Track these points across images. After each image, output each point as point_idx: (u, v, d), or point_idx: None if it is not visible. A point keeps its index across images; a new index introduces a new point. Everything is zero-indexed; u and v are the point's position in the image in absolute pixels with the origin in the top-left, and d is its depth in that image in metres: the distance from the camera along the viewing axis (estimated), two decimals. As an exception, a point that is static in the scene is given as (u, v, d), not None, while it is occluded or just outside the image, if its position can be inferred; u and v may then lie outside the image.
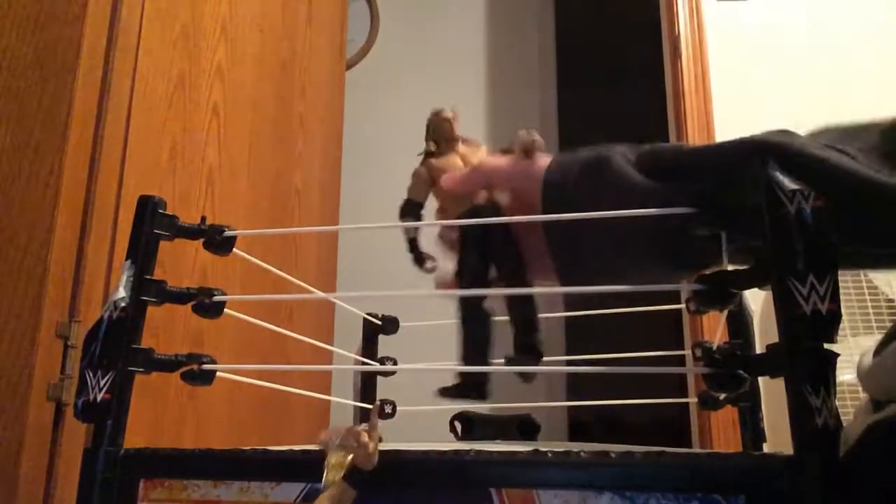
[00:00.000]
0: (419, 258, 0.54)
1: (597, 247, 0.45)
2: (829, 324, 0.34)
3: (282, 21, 1.48)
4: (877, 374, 0.45)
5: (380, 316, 0.86)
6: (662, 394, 0.77)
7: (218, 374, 0.49)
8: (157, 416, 0.98)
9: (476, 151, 0.54)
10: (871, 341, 0.54)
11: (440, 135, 0.54)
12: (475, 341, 0.50)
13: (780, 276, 0.36)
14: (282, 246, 1.44)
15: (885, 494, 0.32)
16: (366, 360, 0.83)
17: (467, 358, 0.51)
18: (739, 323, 0.68)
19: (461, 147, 0.54)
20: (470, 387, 0.51)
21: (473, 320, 0.51)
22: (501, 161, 0.50)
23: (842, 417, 0.34)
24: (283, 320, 1.39)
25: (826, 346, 0.34)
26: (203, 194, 1.15)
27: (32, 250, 0.83)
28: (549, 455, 0.38)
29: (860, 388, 0.47)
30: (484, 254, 0.51)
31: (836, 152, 0.38)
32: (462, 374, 0.51)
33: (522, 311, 0.52)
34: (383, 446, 0.38)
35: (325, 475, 0.37)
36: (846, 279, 1.41)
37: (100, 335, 0.45)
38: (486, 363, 0.51)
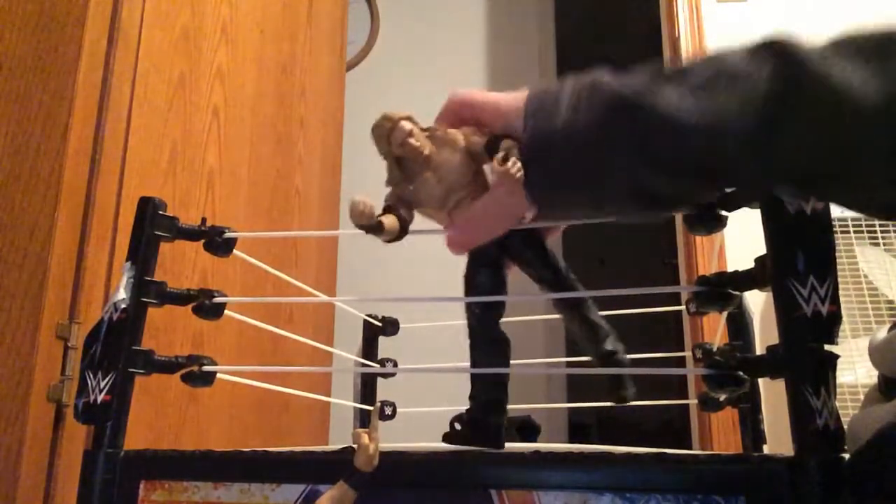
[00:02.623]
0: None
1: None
2: (829, 325, 0.34)
3: (282, 22, 1.48)
4: (889, 348, 0.45)
5: (380, 317, 0.86)
6: (663, 395, 0.77)
7: (218, 375, 0.49)
8: (157, 417, 0.98)
9: (454, 138, 0.44)
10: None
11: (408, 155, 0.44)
12: (490, 374, 0.43)
13: (781, 277, 0.36)
14: (282, 247, 1.44)
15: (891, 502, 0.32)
16: (366, 361, 0.83)
17: (480, 395, 0.43)
18: (740, 324, 0.68)
19: (434, 153, 0.44)
20: (482, 432, 0.42)
21: (487, 348, 0.44)
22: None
23: (842, 419, 0.34)
24: (283, 321, 1.38)
25: (826, 347, 0.34)
26: (203, 196, 1.15)
27: (32, 251, 0.83)
28: (550, 456, 0.38)
29: (860, 390, 0.48)
30: (499, 269, 0.45)
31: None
32: (471, 418, 0.43)
33: (582, 314, 0.45)
34: (384, 447, 0.38)
35: None
36: (846, 280, 1.40)
37: (100, 336, 0.45)
38: (502, 406, 0.43)
